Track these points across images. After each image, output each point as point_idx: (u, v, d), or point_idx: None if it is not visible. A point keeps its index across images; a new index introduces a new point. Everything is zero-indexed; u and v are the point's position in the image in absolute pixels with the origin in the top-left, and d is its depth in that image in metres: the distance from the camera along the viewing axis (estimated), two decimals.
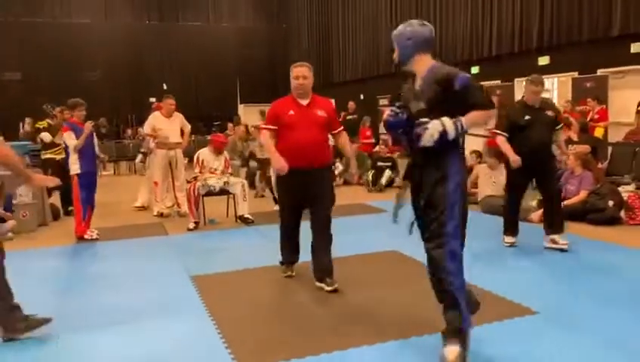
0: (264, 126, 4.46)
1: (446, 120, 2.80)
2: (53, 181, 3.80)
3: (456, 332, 2.84)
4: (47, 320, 3.59)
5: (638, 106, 8.84)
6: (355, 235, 5.95)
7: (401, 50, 3.04)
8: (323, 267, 4.29)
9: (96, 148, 6.68)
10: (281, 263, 4.68)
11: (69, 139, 6.29)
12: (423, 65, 3.00)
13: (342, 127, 4.58)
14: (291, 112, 4.26)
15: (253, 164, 10.10)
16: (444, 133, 2.78)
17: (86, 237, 6.33)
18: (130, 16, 22.15)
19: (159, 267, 5.17)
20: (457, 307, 2.82)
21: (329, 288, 4.17)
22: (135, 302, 4.16)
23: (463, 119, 2.82)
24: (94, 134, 6.63)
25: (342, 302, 4.03)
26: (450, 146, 2.85)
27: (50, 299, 4.32)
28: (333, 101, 5.33)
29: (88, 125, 6.36)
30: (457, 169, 2.92)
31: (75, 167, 6.28)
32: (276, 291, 4.41)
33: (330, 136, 4.49)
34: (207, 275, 4.80)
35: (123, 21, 21.92)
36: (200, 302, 4.11)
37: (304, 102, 4.34)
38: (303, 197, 4.30)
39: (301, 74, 4.28)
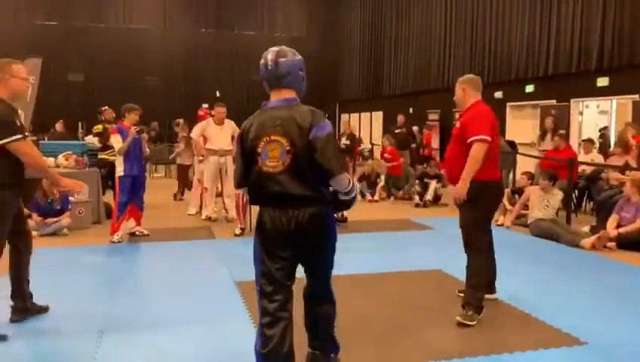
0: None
1: None
2: (80, 186, 4.01)
3: None
4: (44, 309, 3.93)
5: None
6: (399, 252, 5.93)
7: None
8: None
9: (146, 151, 6.81)
10: None
11: (116, 142, 6.50)
12: None
13: None
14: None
15: None
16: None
17: (112, 240, 6.41)
18: (187, 24, 22.83)
19: (205, 271, 5.30)
20: None
21: None
22: (179, 305, 4.27)
23: None
24: (143, 138, 6.72)
25: (386, 319, 4.01)
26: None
27: (96, 296, 4.50)
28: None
29: (132, 130, 6.49)
30: None
31: (119, 169, 6.48)
32: None
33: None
34: (252, 281, 4.87)
35: (181, 28, 22.61)
36: (244, 308, 4.18)
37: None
38: None
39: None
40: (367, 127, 21.30)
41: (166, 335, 3.68)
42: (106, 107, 9.83)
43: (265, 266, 2.77)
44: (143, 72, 21.88)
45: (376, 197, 10.35)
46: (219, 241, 6.68)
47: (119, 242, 6.43)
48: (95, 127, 9.60)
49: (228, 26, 23.37)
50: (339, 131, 11.88)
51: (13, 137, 3.44)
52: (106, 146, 8.61)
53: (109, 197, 8.33)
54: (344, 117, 23.43)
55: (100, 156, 8.81)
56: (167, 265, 5.60)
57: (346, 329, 3.80)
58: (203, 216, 8.01)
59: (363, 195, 10.36)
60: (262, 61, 2.73)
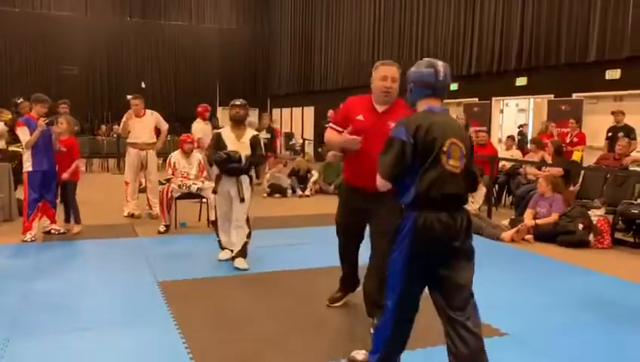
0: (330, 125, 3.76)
1: None
2: None
3: None
4: None
5: (607, 132, 9.04)
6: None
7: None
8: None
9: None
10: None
11: (23, 134, 6.06)
12: None
13: None
14: (360, 117, 3.52)
15: None
16: None
17: (25, 239, 6.02)
18: (111, 12, 21.82)
19: (125, 271, 5.05)
20: None
21: None
22: (98, 308, 4.04)
23: None
24: (52, 131, 6.27)
25: (307, 313, 3.98)
26: None
27: (4, 299, 4.17)
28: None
29: (41, 122, 6.06)
30: None
31: (27, 164, 6.06)
32: (246, 300, 4.33)
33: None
34: (174, 281, 4.71)
35: (104, 16, 21.57)
36: (166, 309, 4.01)
37: (381, 108, 3.53)
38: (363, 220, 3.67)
39: (391, 74, 3.44)
40: (299, 122, 21.27)
41: (81, 340, 3.45)
42: (21, 99, 9.14)
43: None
44: (61, 61, 20.70)
45: (307, 192, 10.33)
46: (141, 239, 6.40)
47: (32, 241, 6.02)
48: (5, 116, 8.91)
49: (154, 15, 22.53)
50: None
51: None
52: (17, 138, 8.02)
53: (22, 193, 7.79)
54: (275, 112, 23.28)
55: (10, 148, 8.19)
56: (84, 265, 5.30)
57: (275, 322, 3.75)
58: (125, 213, 7.66)
59: (294, 190, 10.32)
60: (431, 70, 2.68)
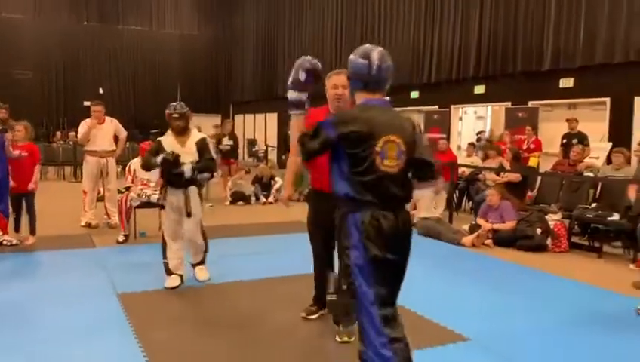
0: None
1: None
2: None
3: None
4: None
5: (562, 139, 9.33)
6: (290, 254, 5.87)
7: None
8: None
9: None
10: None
11: None
12: None
13: None
14: None
15: None
16: None
17: None
18: (66, 16, 21.26)
19: (84, 282, 4.88)
20: None
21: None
22: (55, 321, 3.89)
23: None
24: (6, 138, 6.03)
25: (271, 323, 3.93)
26: None
27: None
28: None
29: None
30: None
31: None
32: (208, 311, 4.25)
33: None
34: (134, 293, 4.58)
35: (59, 20, 21.00)
36: (126, 322, 3.89)
37: None
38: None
39: (340, 83, 3.63)
40: (262, 128, 21.18)
41: (39, 354, 3.31)
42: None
43: None
44: (14, 65, 20.03)
45: (270, 199, 10.27)
46: (99, 250, 6.21)
47: None
48: None
49: (112, 19, 22.09)
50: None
51: None
52: None
53: None
54: (238, 118, 23.11)
55: None
56: (39, 277, 5.10)
57: (236, 332, 3.68)
58: (82, 223, 7.42)
59: (257, 198, 10.24)
60: (365, 61, 2.53)
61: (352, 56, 2.59)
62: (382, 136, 2.45)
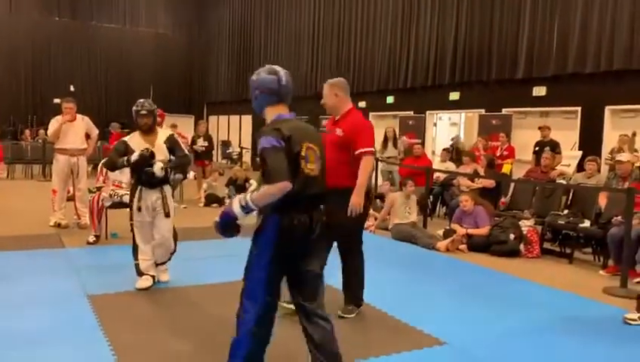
0: None
1: (236, 200, 2.66)
2: None
3: None
4: None
5: (535, 146, 9.50)
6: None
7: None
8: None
9: None
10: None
11: None
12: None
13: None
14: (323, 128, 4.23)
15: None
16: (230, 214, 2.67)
17: None
18: (37, 11, 20.76)
19: (53, 284, 4.73)
20: None
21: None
22: (22, 324, 3.76)
23: (252, 195, 2.59)
24: None
25: None
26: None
27: None
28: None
29: None
30: None
31: None
32: (180, 314, 4.16)
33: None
34: (105, 295, 4.46)
35: (28, 15, 20.49)
36: (97, 325, 3.78)
37: (336, 117, 4.21)
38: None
39: (323, 93, 4.19)
40: (237, 130, 21.02)
41: (6, 359, 3.18)
42: None
43: None
44: None
45: None
46: (69, 250, 6.04)
47: None
48: None
49: (85, 16, 21.66)
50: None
51: None
52: None
53: None
54: (212, 119, 22.90)
55: None
56: (5, 278, 4.91)
57: (209, 334, 3.61)
58: (51, 223, 7.22)
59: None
60: (273, 76, 2.71)
61: (255, 76, 2.75)
62: (304, 143, 2.63)
